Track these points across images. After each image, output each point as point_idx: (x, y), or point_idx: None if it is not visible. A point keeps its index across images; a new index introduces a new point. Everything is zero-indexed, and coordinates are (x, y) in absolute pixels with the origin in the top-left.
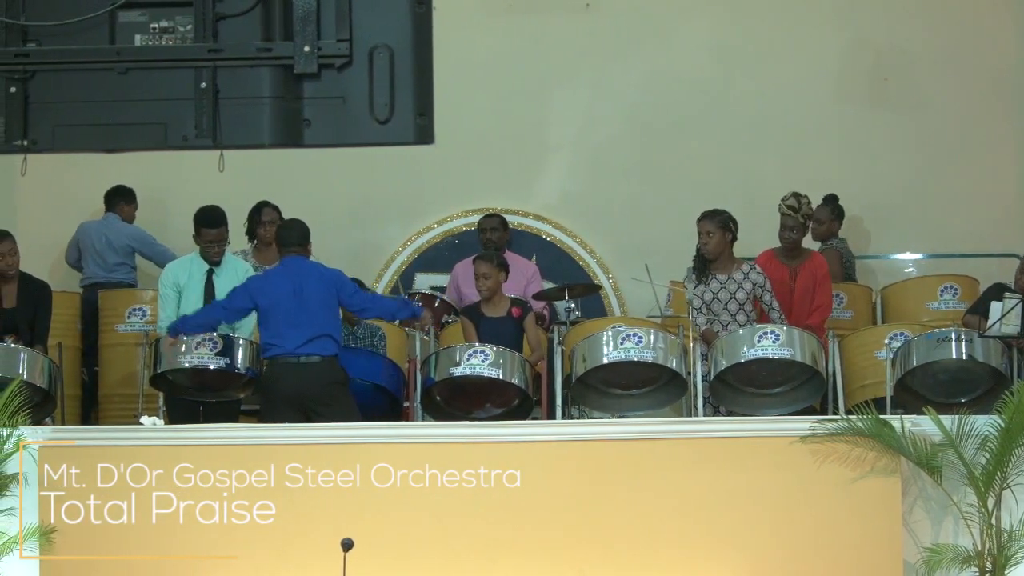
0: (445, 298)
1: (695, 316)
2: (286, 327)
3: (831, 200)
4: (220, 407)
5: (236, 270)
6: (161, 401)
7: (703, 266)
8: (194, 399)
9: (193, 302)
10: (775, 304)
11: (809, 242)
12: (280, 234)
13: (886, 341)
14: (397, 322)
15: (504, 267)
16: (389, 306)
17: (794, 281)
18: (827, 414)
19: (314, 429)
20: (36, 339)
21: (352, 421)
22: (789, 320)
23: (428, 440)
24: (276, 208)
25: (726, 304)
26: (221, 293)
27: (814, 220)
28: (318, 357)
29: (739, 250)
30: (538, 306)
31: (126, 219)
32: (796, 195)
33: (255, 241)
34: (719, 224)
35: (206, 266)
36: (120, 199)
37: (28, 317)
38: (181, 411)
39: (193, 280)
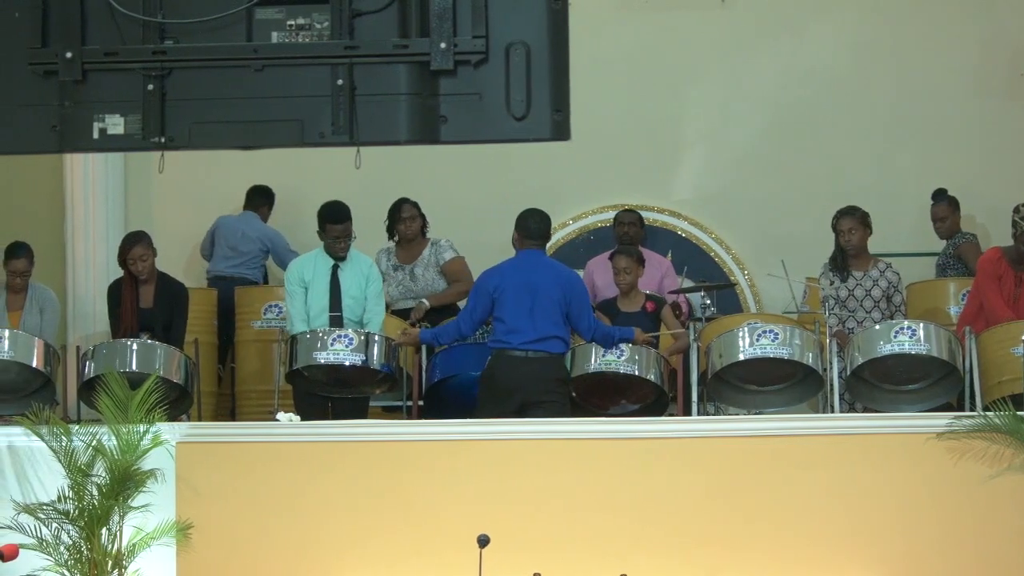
0: None
1: (828, 314)
2: (515, 323)
3: (942, 195)
4: (349, 403)
5: (361, 265)
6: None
7: (843, 263)
8: (329, 396)
9: (319, 297)
10: (903, 308)
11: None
12: (520, 225)
13: (1023, 337)
14: None
15: (642, 261)
16: (609, 333)
17: (1019, 287)
18: (964, 411)
19: (448, 425)
20: (171, 343)
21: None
22: None
23: (563, 436)
24: (415, 205)
25: (861, 301)
26: (347, 288)
27: (936, 220)
28: (545, 354)
29: (876, 246)
30: (672, 298)
31: (263, 219)
32: None
33: (396, 238)
34: (860, 220)
35: (331, 261)
36: (260, 199)
37: (163, 318)
38: (310, 407)
39: (319, 276)
